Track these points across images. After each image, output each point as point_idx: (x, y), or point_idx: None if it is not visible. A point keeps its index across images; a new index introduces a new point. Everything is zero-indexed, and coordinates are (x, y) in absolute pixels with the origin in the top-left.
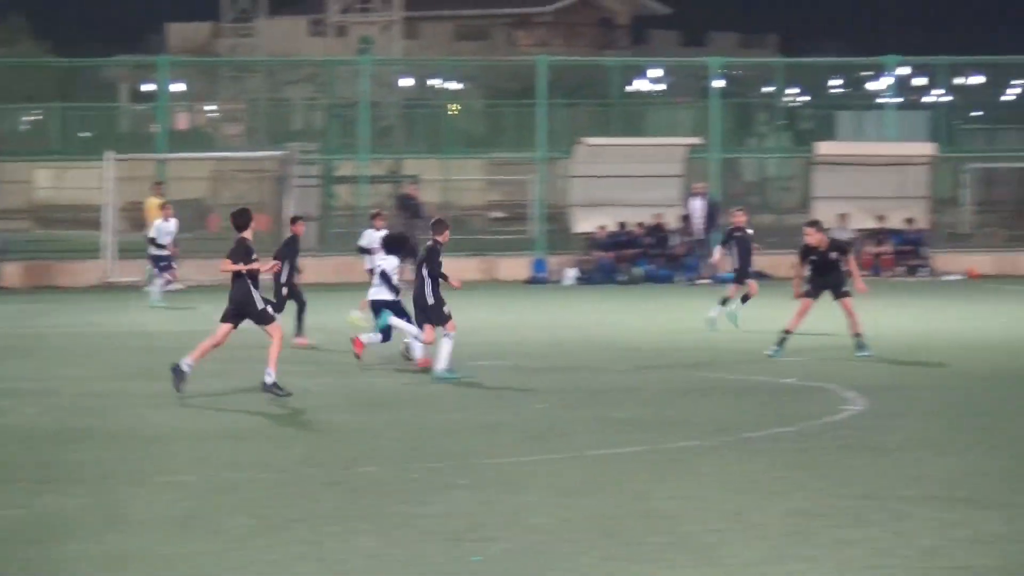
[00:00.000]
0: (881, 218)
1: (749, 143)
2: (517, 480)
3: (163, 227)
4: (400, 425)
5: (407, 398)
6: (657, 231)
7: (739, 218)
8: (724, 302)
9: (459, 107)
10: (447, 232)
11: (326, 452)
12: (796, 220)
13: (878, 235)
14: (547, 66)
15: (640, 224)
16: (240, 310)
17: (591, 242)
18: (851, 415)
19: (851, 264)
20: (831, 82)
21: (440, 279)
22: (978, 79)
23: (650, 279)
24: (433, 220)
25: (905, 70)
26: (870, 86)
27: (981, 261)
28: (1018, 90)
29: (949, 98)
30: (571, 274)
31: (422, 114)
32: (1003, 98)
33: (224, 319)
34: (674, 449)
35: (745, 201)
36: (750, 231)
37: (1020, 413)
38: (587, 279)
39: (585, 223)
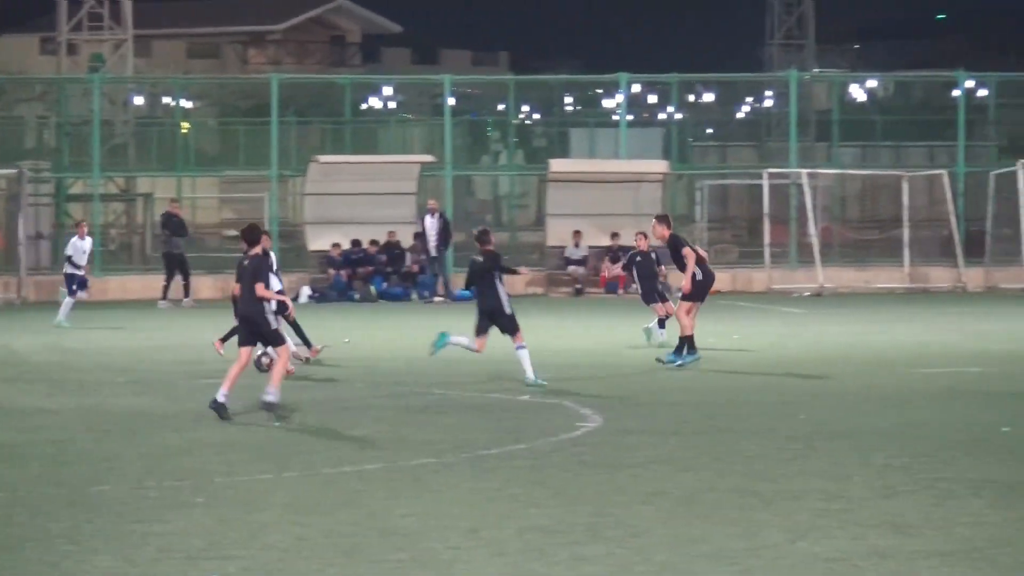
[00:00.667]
0: (615, 235)
1: (483, 161)
2: (253, 498)
3: (79, 245)
4: (137, 443)
5: (144, 417)
6: (391, 249)
7: (641, 242)
8: (661, 323)
9: (191, 125)
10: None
11: (63, 471)
12: (531, 238)
13: (612, 252)
14: (279, 84)
15: (374, 242)
16: (255, 330)
17: (325, 260)
18: (587, 432)
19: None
20: (564, 99)
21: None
22: (709, 96)
23: (385, 297)
24: (479, 230)
25: (637, 87)
26: (603, 103)
27: (716, 278)
28: (749, 107)
29: (681, 115)
30: (305, 292)
31: (155, 132)
32: (735, 115)
33: (243, 343)
34: (410, 467)
35: (480, 219)
36: (653, 254)
37: (753, 430)
38: (321, 297)
39: (319, 241)
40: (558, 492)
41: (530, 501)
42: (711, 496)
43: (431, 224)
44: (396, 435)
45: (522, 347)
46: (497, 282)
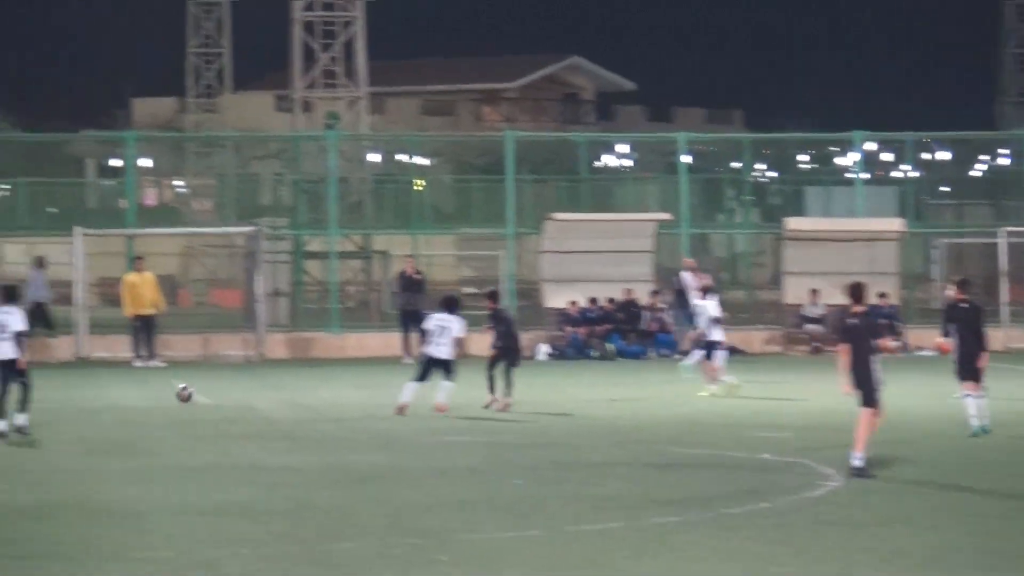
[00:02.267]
0: None
1: (718, 219)
2: (496, 556)
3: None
4: (379, 501)
5: (385, 474)
6: (628, 307)
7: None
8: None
9: (427, 182)
10: None
11: (306, 528)
12: (768, 296)
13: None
14: (514, 141)
15: (610, 300)
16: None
17: (562, 318)
18: (828, 491)
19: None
20: (799, 157)
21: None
22: (945, 155)
23: (622, 355)
24: (960, 279)
25: (872, 145)
26: (838, 161)
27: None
28: (984, 165)
29: (917, 173)
30: (543, 350)
31: (390, 189)
32: (970, 173)
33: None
34: (652, 525)
35: (715, 277)
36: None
37: (992, 489)
38: (559, 354)
39: (555, 299)
40: (801, 551)
41: (772, 559)
42: (949, 556)
43: (690, 280)
44: (637, 493)
45: (970, 396)
46: (982, 329)
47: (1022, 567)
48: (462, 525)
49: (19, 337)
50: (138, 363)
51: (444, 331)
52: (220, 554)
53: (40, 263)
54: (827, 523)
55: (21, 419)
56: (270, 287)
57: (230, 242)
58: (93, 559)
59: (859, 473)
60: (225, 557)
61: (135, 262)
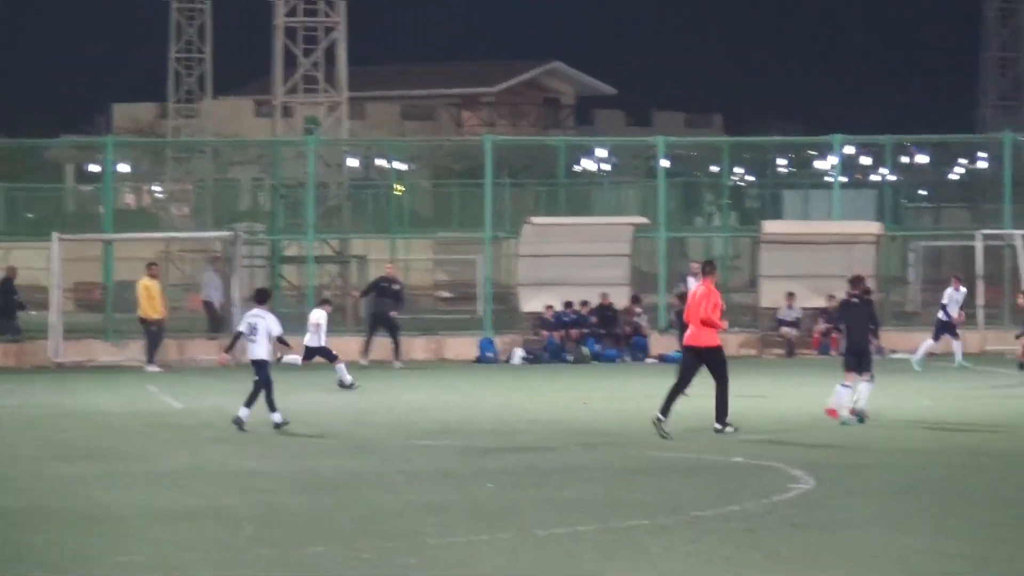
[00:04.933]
0: (831, 298)
1: (696, 222)
2: (468, 560)
3: (954, 295)
4: (350, 505)
5: (356, 478)
6: (604, 311)
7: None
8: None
9: (406, 187)
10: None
11: (276, 532)
12: (744, 299)
13: (826, 313)
14: (493, 145)
15: (584, 303)
16: None
17: (538, 321)
18: (800, 494)
19: None
20: (778, 161)
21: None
22: (923, 158)
23: (598, 359)
24: (853, 276)
25: (851, 149)
26: (816, 165)
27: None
28: (963, 169)
29: (895, 177)
30: (519, 354)
31: (369, 194)
32: (949, 176)
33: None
34: (624, 528)
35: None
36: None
37: (968, 493)
38: (534, 358)
39: (532, 302)
40: (771, 555)
41: (745, 563)
42: (926, 560)
43: (695, 284)
44: (609, 496)
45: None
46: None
47: (999, 569)
48: (433, 529)
49: (279, 340)
50: (151, 367)
51: None
52: (192, 558)
53: (215, 264)
54: (800, 526)
55: (277, 417)
56: (247, 292)
57: (208, 247)
58: (67, 564)
59: None
60: (197, 561)
61: (150, 268)
